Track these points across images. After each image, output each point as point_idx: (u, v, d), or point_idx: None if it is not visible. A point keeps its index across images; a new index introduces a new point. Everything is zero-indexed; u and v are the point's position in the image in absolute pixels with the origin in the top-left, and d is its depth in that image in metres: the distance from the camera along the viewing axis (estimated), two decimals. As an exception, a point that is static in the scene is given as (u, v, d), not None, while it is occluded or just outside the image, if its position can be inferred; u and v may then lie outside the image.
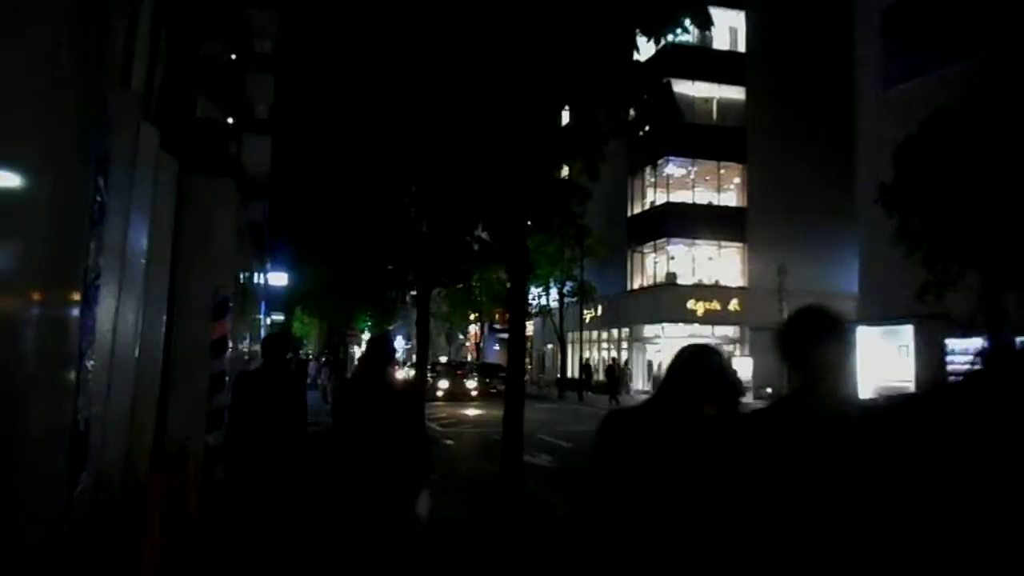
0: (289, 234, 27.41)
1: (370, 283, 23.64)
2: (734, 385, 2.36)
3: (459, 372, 31.89)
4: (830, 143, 31.12)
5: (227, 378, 7.34)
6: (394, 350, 4.76)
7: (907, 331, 18.94)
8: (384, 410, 4.26)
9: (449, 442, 15.43)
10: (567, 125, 8.06)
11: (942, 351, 17.47)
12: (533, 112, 7.71)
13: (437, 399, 26.70)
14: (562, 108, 8.01)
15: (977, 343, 16.17)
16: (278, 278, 33.27)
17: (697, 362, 2.36)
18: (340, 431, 4.41)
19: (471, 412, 23.71)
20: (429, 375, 28.84)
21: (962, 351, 17.08)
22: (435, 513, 4.59)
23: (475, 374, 32.40)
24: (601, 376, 35.60)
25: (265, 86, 25.56)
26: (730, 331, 34.21)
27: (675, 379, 2.37)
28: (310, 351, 51.42)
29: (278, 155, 26.50)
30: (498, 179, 8.94)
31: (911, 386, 18.23)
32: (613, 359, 32.78)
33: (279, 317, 39.56)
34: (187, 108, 7.49)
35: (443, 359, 40.90)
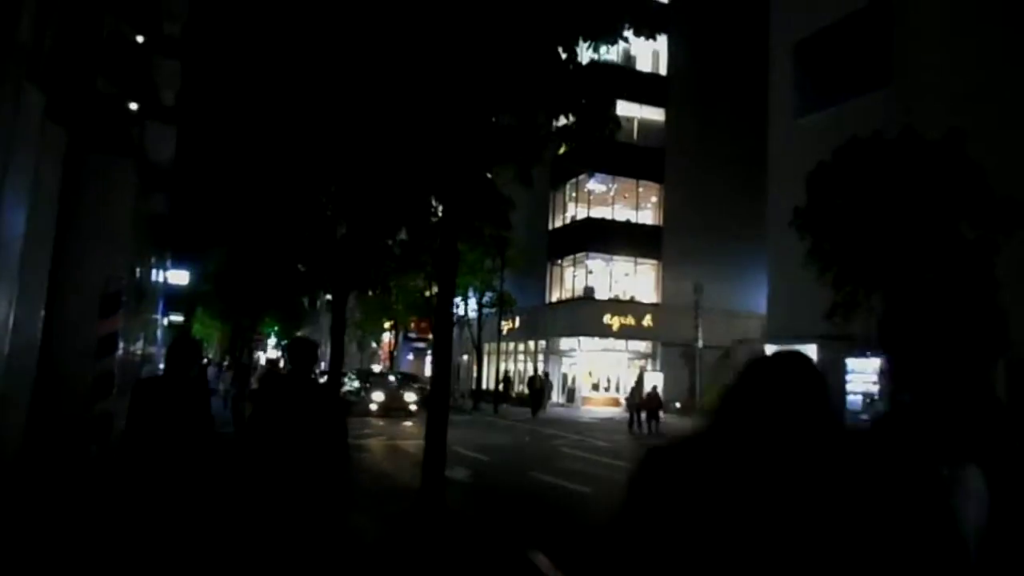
0: (193, 230, 25.86)
1: (279, 285, 22.66)
2: (835, 406, 1.54)
3: (394, 383, 28.73)
4: (744, 167, 32.13)
5: (116, 381, 6.61)
6: (317, 353, 4.58)
7: (811, 350, 19.53)
8: (305, 416, 4.06)
9: (369, 455, 14.78)
10: (505, 126, 7.76)
11: (842, 370, 18.15)
12: (470, 110, 7.37)
13: (371, 414, 24.23)
14: (502, 108, 7.71)
15: (875, 363, 16.93)
16: (179, 276, 31.52)
17: (791, 380, 1.49)
18: (257, 435, 4.18)
19: (410, 426, 21.78)
20: (361, 386, 27.05)
21: (861, 370, 17.82)
22: (354, 529, 4.24)
23: (413, 385, 29.25)
24: (521, 388, 35.46)
25: (172, 72, 23.99)
26: (643, 346, 34.72)
27: (757, 403, 1.49)
28: (210, 355, 49.14)
29: (184, 145, 25.07)
30: (428, 180, 8.55)
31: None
32: (536, 372, 32.55)
33: (178, 318, 37.58)
34: (82, 80, 6.76)
35: (377, 368, 39.15)
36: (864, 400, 17.48)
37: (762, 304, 28.17)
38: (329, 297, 19.30)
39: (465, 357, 38.51)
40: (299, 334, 37.05)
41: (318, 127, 9.99)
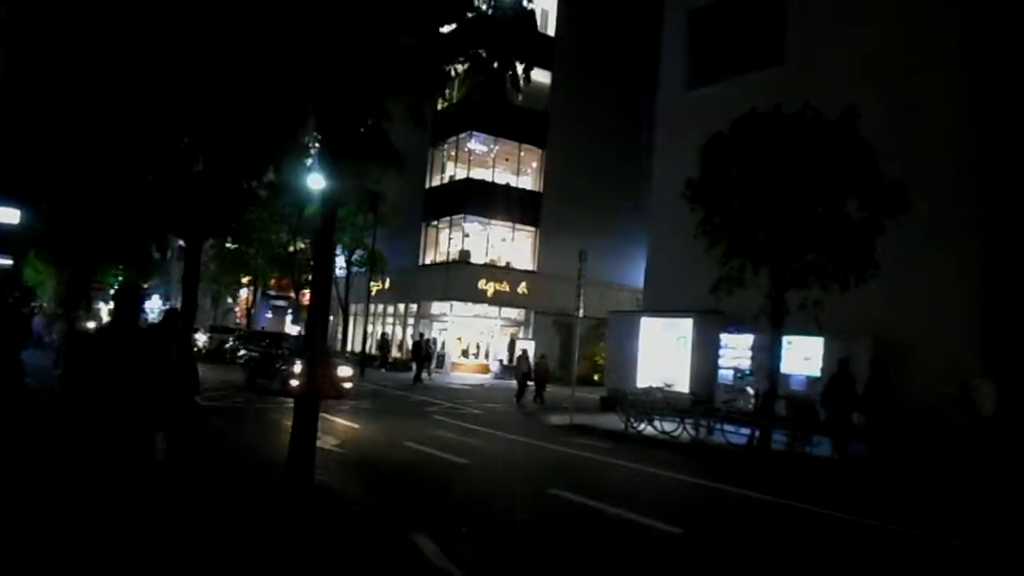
0: (26, 161, 22.52)
1: (124, 228, 20.20)
2: None
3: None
4: (629, 138, 32.18)
5: None
6: (139, 303, 4.50)
7: (686, 324, 19.74)
8: (125, 366, 3.99)
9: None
10: (404, 46, 6.65)
11: (716, 344, 18.38)
12: (364, 19, 6.20)
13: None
14: (402, 21, 6.55)
15: (748, 339, 17.21)
16: (8, 213, 27.76)
17: None
18: (73, 383, 4.07)
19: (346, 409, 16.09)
20: (276, 353, 19.89)
21: (733, 346, 18.10)
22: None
23: (346, 356, 22.49)
24: (398, 352, 34.34)
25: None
26: (515, 313, 34.38)
27: None
28: (43, 303, 44.29)
29: (15, 63, 21.77)
30: (306, 108, 7.33)
31: (687, 373, 19.04)
32: (421, 335, 31.19)
33: (6, 261, 33.56)
34: None
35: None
36: (735, 374, 17.79)
37: (634, 277, 28.34)
38: (182, 244, 17.26)
39: (331, 318, 36.79)
40: (145, 286, 33.81)
41: (169, 35, 8.38)
